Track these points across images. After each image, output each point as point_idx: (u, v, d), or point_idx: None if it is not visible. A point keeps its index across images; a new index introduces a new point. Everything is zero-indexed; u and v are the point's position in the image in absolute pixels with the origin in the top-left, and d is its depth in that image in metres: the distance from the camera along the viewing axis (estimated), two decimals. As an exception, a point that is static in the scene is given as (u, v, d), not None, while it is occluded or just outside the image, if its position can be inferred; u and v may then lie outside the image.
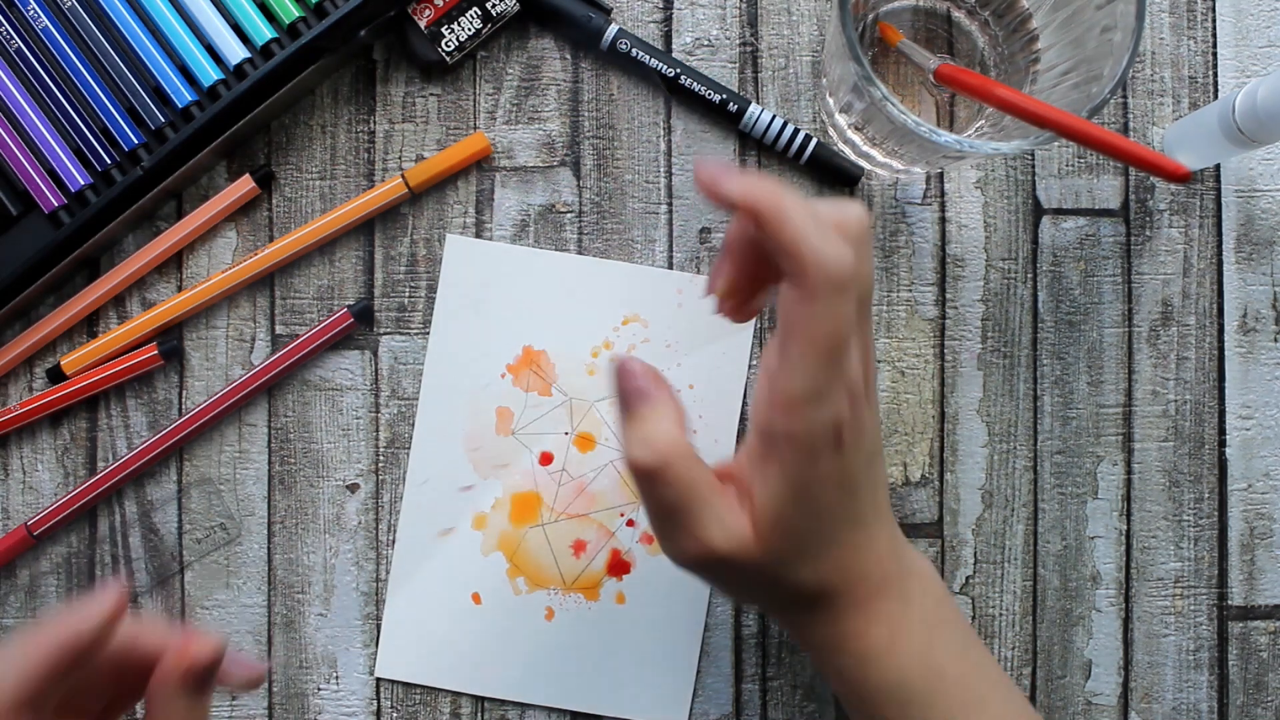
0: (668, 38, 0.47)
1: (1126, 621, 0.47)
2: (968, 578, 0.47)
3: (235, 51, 0.44)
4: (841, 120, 0.45)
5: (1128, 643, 0.47)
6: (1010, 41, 0.44)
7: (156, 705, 0.31)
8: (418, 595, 0.46)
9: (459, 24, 0.46)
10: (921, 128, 0.38)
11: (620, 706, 0.46)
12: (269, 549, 0.47)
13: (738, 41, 0.47)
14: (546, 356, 0.47)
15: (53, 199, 0.44)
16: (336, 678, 0.47)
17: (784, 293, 0.31)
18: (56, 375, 0.46)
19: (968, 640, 0.37)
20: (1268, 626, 0.47)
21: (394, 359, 0.47)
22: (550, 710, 0.46)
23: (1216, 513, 0.47)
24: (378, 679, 0.46)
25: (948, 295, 0.47)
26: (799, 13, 0.47)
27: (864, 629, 0.34)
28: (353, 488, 0.47)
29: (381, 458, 0.47)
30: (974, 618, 0.47)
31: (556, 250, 0.47)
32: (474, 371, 0.47)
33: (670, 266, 0.47)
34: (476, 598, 0.46)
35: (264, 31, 0.45)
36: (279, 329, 0.47)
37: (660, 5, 0.47)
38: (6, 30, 0.44)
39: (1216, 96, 0.47)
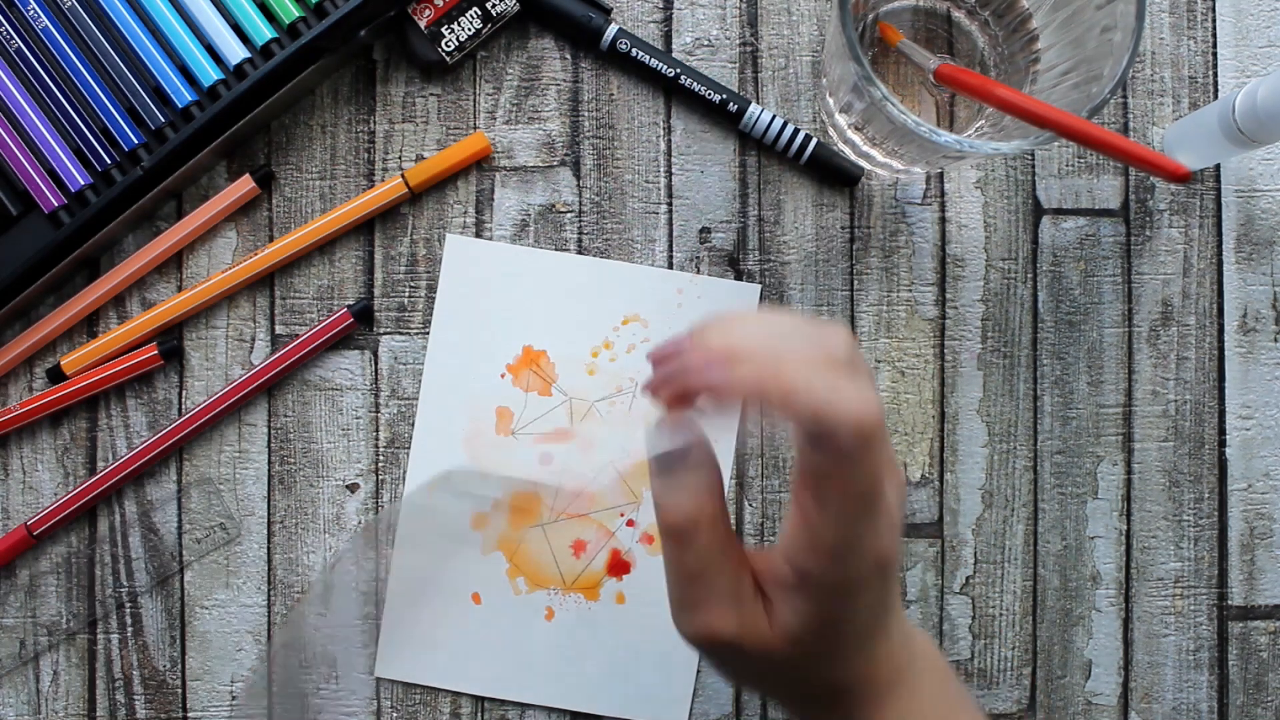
0: (668, 38, 0.47)
1: (1126, 621, 0.47)
2: (968, 578, 0.47)
3: (235, 51, 0.44)
4: (841, 120, 0.45)
5: (1128, 643, 0.47)
6: (1010, 41, 0.44)
7: None
8: (418, 595, 0.46)
9: (459, 24, 0.46)
10: (921, 128, 0.38)
11: (620, 706, 0.46)
12: (269, 549, 0.47)
13: (738, 41, 0.47)
14: (546, 356, 0.47)
15: (53, 199, 0.44)
16: (336, 678, 0.47)
17: (809, 449, 0.29)
18: (56, 375, 0.46)
19: None
20: (1268, 626, 0.47)
21: (394, 359, 0.47)
22: (550, 710, 0.46)
23: (1216, 513, 0.47)
24: (378, 679, 0.46)
25: (948, 295, 0.47)
26: (799, 13, 0.47)
27: None
28: (353, 488, 0.47)
29: (381, 458, 0.47)
30: (974, 618, 0.47)
31: (556, 250, 0.47)
32: (474, 371, 0.47)
33: (670, 266, 0.47)
34: (476, 598, 0.46)
35: (264, 31, 0.45)
36: (279, 329, 0.47)
37: (660, 5, 0.47)
38: (6, 30, 0.44)
39: (1216, 96, 0.47)
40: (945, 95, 0.46)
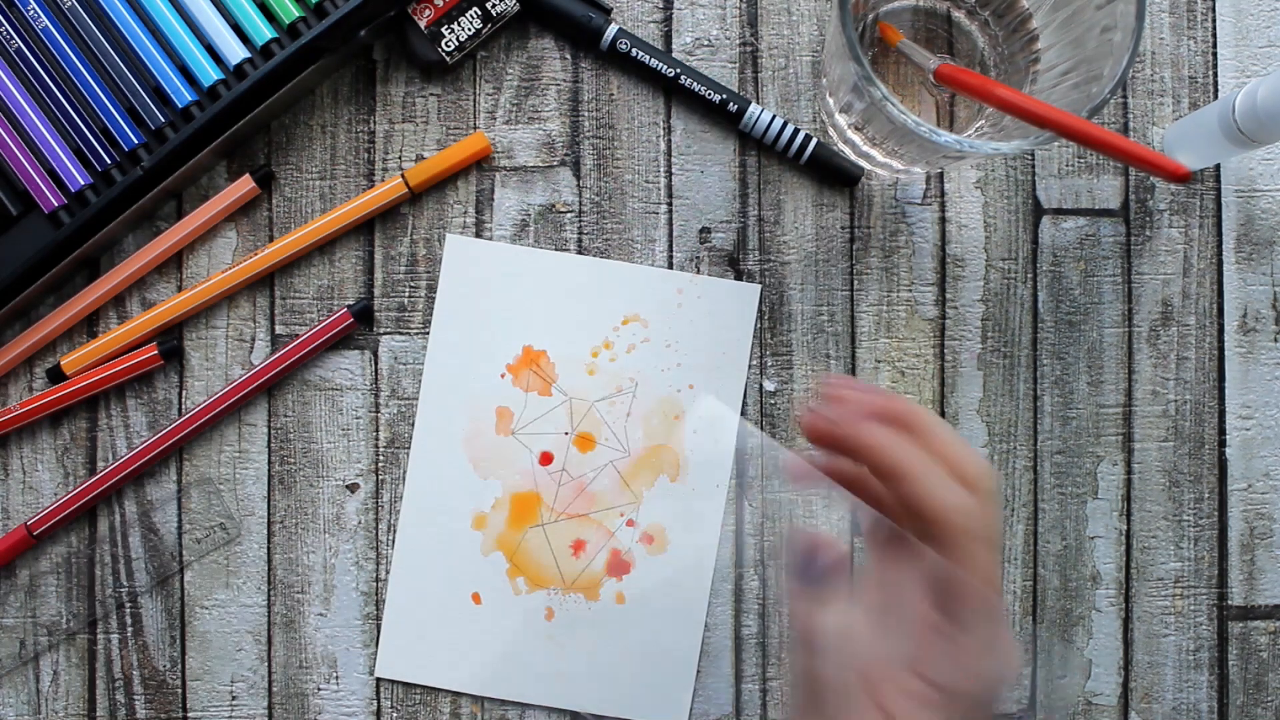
0: (668, 38, 0.47)
1: (1126, 621, 0.47)
2: (968, 578, 0.47)
3: (235, 51, 0.44)
4: (841, 120, 0.45)
5: (1128, 643, 0.47)
6: (1010, 41, 0.44)
7: None
8: (418, 595, 0.46)
9: (459, 24, 0.46)
10: (921, 128, 0.38)
11: (620, 706, 0.46)
12: (269, 549, 0.47)
13: (738, 41, 0.47)
14: (546, 356, 0.47)
15: (53, 199, 0.44)
16: (336, 678, 0.47)
17: (924, 546, 0.32)
18: (56, 375, 0.46)
19: None
20: (1268, 626, 0.47)
21: (394, 359, 0.47)
22: (550, 710, 0.46)
23: (1216, 513, 0.47)
24: (378, 679, 0.46)
25: (948, 295, 0.47)
26: (799, 13, 0.47)
27: None
28: (353, 488, 0.47)
29: (381, 458, 0.47)
30: (974, 618, 0.47)
31: (556, 250, 0.47)
32: (474, 371, 0.47)
33: (670, 266, 0.47)
34: (476, 598, 0.46)
35: (264, 31, 0.45)
36: (279, 329, 0.47)
37: (660, 5, 0.47)
38: (6, 30, 0.44)
39: (1216, 96, 0.47)
40: (945, 95, 0.46)
